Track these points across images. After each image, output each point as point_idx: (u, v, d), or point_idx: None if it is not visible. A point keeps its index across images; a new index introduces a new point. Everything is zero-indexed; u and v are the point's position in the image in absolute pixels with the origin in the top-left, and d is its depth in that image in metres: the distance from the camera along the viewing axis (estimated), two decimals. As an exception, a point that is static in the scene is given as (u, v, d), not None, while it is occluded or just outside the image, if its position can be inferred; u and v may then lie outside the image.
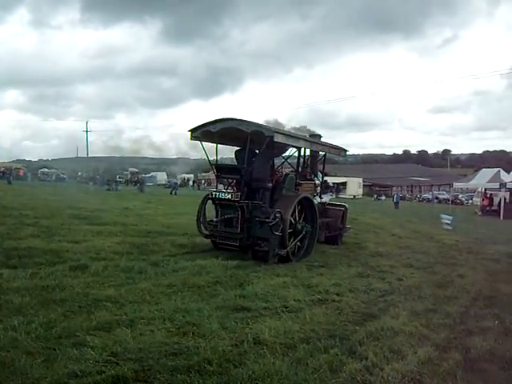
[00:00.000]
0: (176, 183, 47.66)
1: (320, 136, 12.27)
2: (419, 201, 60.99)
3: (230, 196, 9.59)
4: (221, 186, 12.08)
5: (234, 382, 3.83)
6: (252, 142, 9.65)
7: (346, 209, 12.89)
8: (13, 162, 79.83)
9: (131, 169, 75.92)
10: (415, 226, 19.33)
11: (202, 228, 10.30)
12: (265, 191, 9.85)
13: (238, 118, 9.75)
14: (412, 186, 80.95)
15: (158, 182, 66.33)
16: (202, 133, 10.14)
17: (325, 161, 12.71)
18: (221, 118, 9.93)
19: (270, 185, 10.09)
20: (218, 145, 10.47)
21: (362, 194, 59.72)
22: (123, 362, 4.03)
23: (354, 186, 55.60)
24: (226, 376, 3.94)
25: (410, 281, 8.27)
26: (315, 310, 6.09)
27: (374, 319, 5.80)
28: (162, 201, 28.45)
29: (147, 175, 67.82)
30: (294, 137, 10.36)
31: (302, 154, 11.76)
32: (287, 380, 3.94)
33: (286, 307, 6.08)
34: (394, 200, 40.45)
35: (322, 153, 12.27)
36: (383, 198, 56.81)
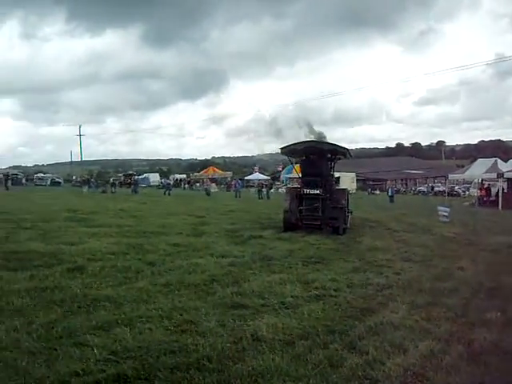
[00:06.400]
0: (169, 184, 47.56)
1: None
2: (414, 194, 60.96)
3: (318, 191, 13.74)
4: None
5: (233, 379, 3.83)
6: (313, 154, 14.53)
7: None
8: (9, 167, 79.53)
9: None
10: (411, 220, 19.24)
11: (293, 216, 13.92)
12: (331, 186, 14.74)
13: (316, 140, 15.62)
14: (406, 179, 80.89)
15: (152, 183, 66.14)
16: (289, 150, 14.70)
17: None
18: (305, 140, 15.32)
19: (333, 182, 15.44)
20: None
21: (356, 189, 59.81)
22: (123, 361, 4.04)
23: (347, 181, 55.44)
24: (226, 373, 3.94)
25: (409, 274, 8.25)
26: (313, 305, 6.07)
27: (373, 314, 5.79)
28: (156, 202, 28.36)
29: (140, 176, 67.56)
30: (346, 149, 15.29)
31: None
32: (287, 376, 3.94)
33: (284, 304, 6.08)
34: (389, 194, 40.20)
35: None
36: (377, 192, 56.84)
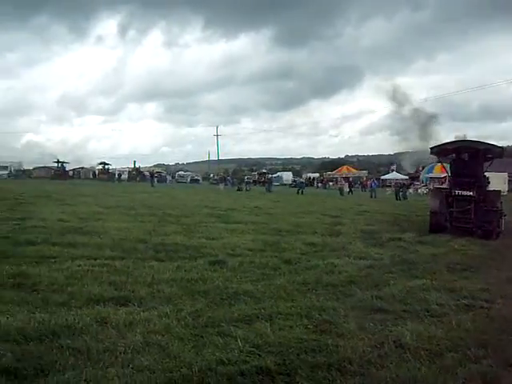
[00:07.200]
0: (302, 182, 48.08)
1: None
2: None
3: (471, 193, 13.30)
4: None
5: (376, 385, 3.68)
6: (465, 153, 14.19)
7: None
8: (154, 166, 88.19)
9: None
10: None
11: (442, 218, 13.57)
12: (484, 188, 13.97)
13: (471, 139, 14.89)
14: None
15: (284, 182, 67.44)
16: (440, 149, 14.64)
17: None
18: (457, 139, 15.05)
19: (487, 183, 14.48)
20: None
21: (508, 190, 53.90)
22: (265, 355, 4.13)
23: (499, 182, 50.28)
24: (368, 377, 3.81)
25: None
26: (461, 316, 5.59)
27: (535, 330, 5.13)
28: (290, 200, 28.85)
29: (274, 175, 69.36)
30: (502, 148, 15.00)
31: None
32: (436, 388, 3.68)
33: (428, 311, 5.71)
34: (550, 197, 35.33)
35: None
36: (535, 194, 50.45)
